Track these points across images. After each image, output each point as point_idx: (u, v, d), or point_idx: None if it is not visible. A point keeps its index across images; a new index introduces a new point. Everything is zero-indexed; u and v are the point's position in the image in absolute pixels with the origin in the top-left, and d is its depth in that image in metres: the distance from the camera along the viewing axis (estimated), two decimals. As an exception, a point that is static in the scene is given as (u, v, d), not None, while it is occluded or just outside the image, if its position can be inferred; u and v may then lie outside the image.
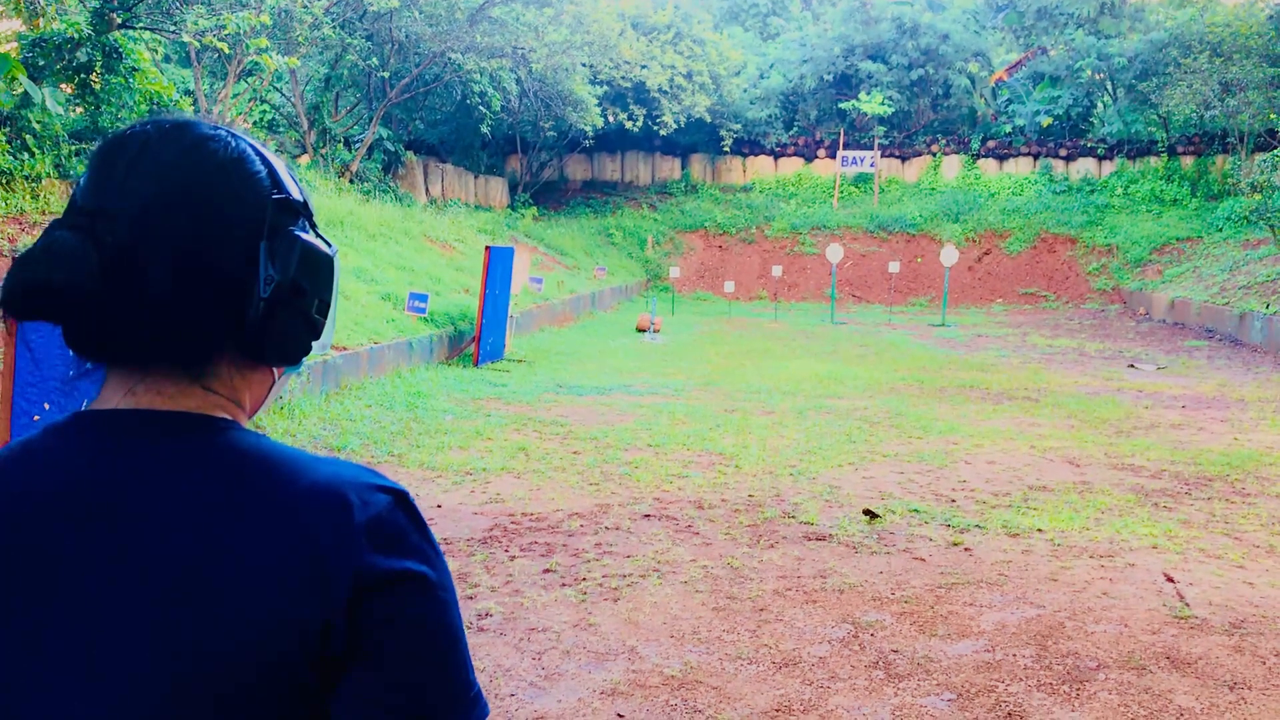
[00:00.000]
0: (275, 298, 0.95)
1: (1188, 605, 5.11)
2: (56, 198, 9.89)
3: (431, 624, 0.92)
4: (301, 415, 8.86)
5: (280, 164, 1.02)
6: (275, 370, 1.05)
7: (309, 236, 1.00)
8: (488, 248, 13.11)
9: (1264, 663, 4.43)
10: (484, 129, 25.15)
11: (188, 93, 17.33)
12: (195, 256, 0.93)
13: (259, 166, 0.98)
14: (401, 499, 0.95)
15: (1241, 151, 26.82)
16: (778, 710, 3.91)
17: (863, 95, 31.33)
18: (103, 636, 0.86)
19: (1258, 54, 24.72)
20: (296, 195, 1.01)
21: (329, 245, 1.03)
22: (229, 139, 0.98)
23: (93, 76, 10.99)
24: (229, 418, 0.97)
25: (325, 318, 1.03)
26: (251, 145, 1.00)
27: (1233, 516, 6.77)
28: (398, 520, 0.93)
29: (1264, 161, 22.01)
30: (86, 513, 0.89)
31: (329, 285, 1.02)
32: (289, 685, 0.88)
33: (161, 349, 0.94)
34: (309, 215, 1.03)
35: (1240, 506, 7.03)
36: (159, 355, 0.95)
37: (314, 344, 1.03)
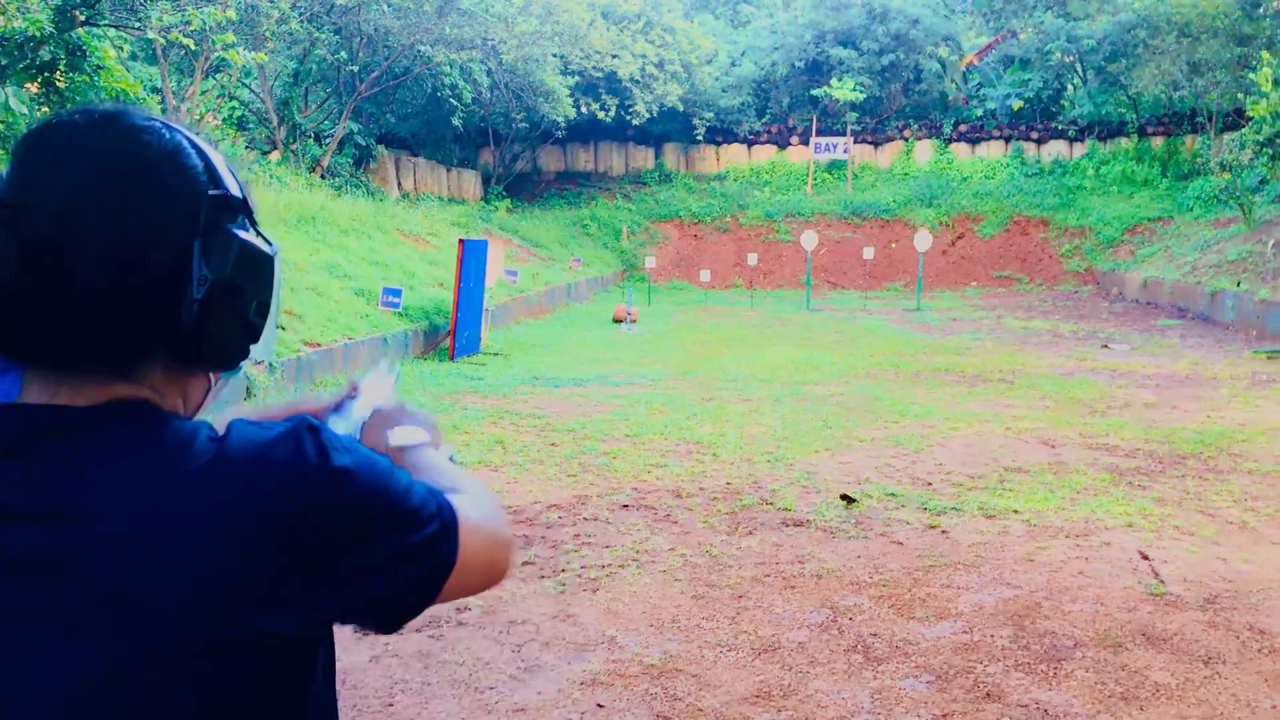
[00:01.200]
0: (209, 298, 0.92)
1: (1162, 582, 5.16)
2: (22, 198, 9.78)
3: (365, 485, 0.93)
4: (276, 413, 8.80)
5: (219, 158, 0.98)
6: (211, 375, 1.01)
7: (247, 235, 0.96)
8: (461, 241, 13.06)
9: (1237, 637, 4.47)
10: (455, 122, 25.05)
11: (154, 90, 17.16)
12: (125, 253, 0.89)
13: (195, 160, 0.95)
14: (308, 428, 0.94)
15: (1210, 131, 27.01)
16: (757, 696, 3.92)
17: (834, 82, 31.36)
18: (44, 635, 0.84)
19: (1225, 34, 24.90)
20: (235, 192, 0.97)
21: (270, 244, 1.00)
22: (163, 130, 0.95)
23: (57, 75, 10.85)
24: (154, 404, 0.94)
25: (264, 320, 0.99)
26: (188, 138, 0.96)
27: (1206, 494, 6.83)
28: (310, 449, 0.92)
29: (1233, 141, 22.22)
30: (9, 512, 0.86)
31: (269, 286, 0.99)
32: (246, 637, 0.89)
33: (87, 349, 0.90)
34: (249, 213, 0.99)
35: (1213, 484, 7.10)
36: (84, 356, 0.91)
37: (253, 348, 1.00)
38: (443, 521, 0.97)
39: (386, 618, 0.98)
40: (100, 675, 0.84)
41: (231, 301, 0.94)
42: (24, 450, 0.88)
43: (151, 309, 0.91)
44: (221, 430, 0.93)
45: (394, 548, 0.94)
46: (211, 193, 0.94)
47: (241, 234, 0.95)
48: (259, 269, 0.97)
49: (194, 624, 0.85)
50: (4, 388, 0.95)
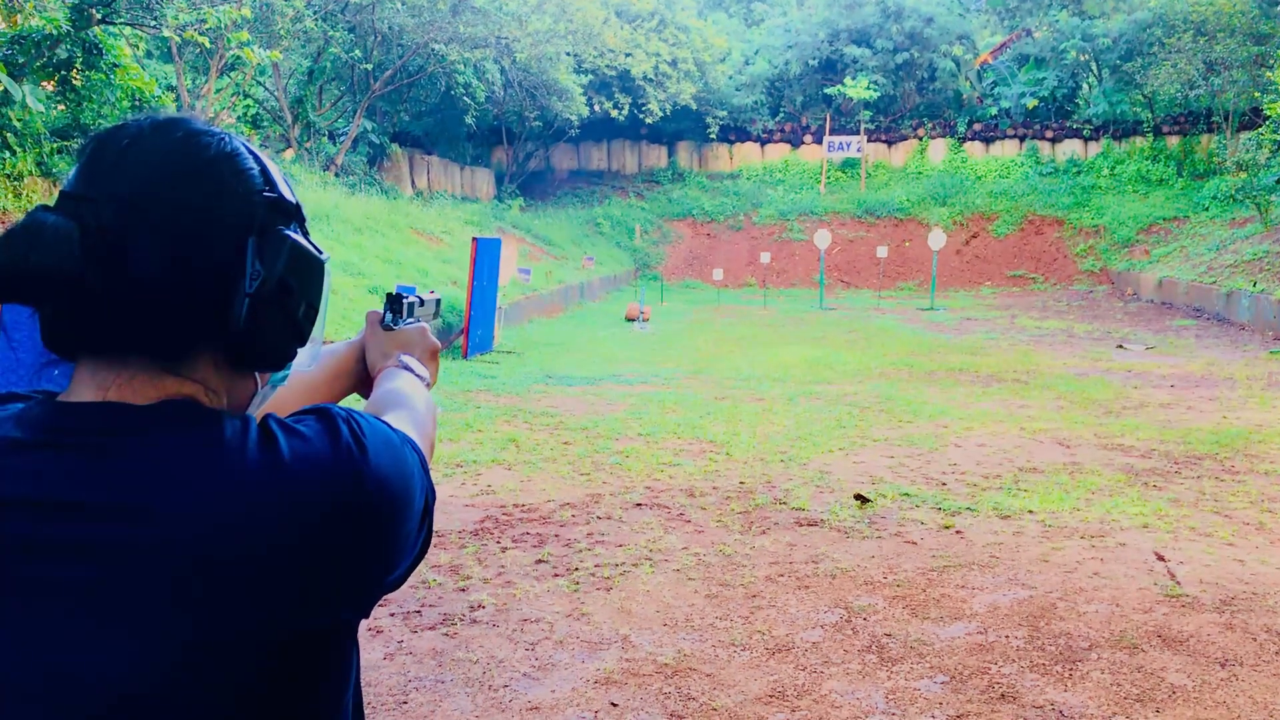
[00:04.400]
0: (261, 295, 0.94)
1: (1178, 584, 5.13)
2: (39, 196, 9.82)
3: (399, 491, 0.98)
4: (290, 410, 8.82)
5: (274, 167, 1.01)
6: (259, 377, 1.03)
7: (300, 238, 0.99)
8: (475, 239, 13.07)
9: (1254, 639, 4.44)
10: (469, 120, 25.09)
11: (170, 88, 17.22)
12: (182, 246, 0.92)
13: (252, 164, 0.98)
14: (343, 421, 0.96)
15: (1227, 130, 26.88)
16: (771, 696, 3.91)
17: (848, 80, 31.31)
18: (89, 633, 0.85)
19: (1241, 32, 24.77)
20: (289, 198, 1.01)
21: (320, 252, 1.02)
22: (223, 136, 0.98)
23: (73, 73, 10.91)
24: (205, 403, 0.96)
25: (312, 324, 1.02)
26: (246, 145, 1.00)
27: (1222, 494, 6.80)
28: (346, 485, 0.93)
29: (1249, 140, 22.08)
30: (62, 510, 0.88)
31: (318, 290, 1.02)
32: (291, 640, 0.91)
33: (140, 340, 0.92)
34: (302, 220, 1.03)
35: (1229, 484, 7.06)
36: (137, 346, 0.93)
37: (300, 351, 1.02)
38: (421, 463, 1.04)
39: (405, 578, 1.04)
40: (163, 663, 0.86)
41: (282, 300, 0.96)
42: (89, 447, 0.90)
43: (205, 303, 0.93)
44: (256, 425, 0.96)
45: (416, 517, 1.01)
46: (266, 194, 0.98)
47: (294, 235, 0.98)
48: (310, 271, 1.00)
49: (259, 619, 0.88)
50: (50, 375, 0.96)
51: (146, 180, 0.92)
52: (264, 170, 0.99)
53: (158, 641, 0.85)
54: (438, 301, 1.59)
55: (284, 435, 0.93)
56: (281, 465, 0.90)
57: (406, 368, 1.34)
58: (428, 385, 1.36)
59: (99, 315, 0.91)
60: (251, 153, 0.99)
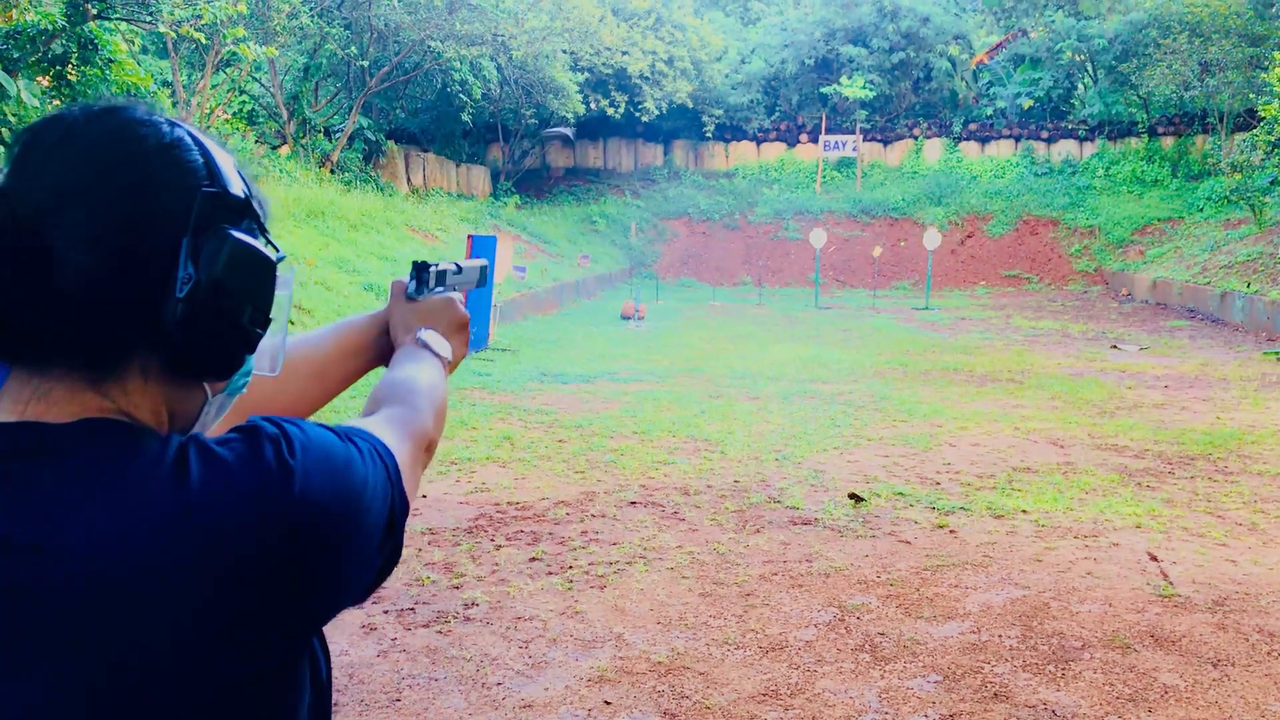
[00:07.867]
0: (194, 299, 0.86)
1: (1171, 584, 5.14)
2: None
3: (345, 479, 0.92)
4: (285, 407, 8.81)
5: (226, 158, 0.94)
6: (208, 387, 0.95)
7: (245, 236, 0.91)
8: (470, 236, 13.04)
9: (1247, 639, 4.46)
10: (465, 117, 25.04)
11: (165, 84, 17.18)
12: (106, 246, 0.84)
13: (194, 156, 0.90)
14: (267, 439, 0.89)
15: (1221, 131, 26.91)
16: (765, 695, 3.91)
17: (844, 79, 31.28)
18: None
19: (1237, 34, 24.80)
20: (237, 191, 0.92)
21: (276, 250, 0.95)
22: (164, 125, 0.90)
23: (68, 68, 10.87)
24: (129, 421, 0.88)
25: (262, 328, 0.93)
26: (192, 134, 0.92)
27: (1215, 495, 6.81)
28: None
29: (1244, 141, 22.10)
30: None
31: (267, 292, 0.93)
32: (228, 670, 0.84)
33: (61, 349, 0.86)
34: (255, 216, 0.94)
35: (1223, 485, 7.07)
36: (58, 356, 0.86)
37: (258, 355, 0.95)
38: (388, 474, 0.96)
39: (365, 596, 0.97)
40: (68, 711, 0.80)
41: (220, 304, 0.88)
42: None
43: (133, 309, 0.86)
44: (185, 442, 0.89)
45: (374, 534, 0.93)
46: (206, 189, 0.89)
47: (236, 234, 0.90)
48: (256, 272, 0.91)
49: (173, 668, 0.82)
50: None
51: (72, 175, 0.85)
52: (209, 162, 0.91)
53: (63, 688, 0.79)
54: (482, 269, 1.49)
55: (199, 462, 0.85)
56: (189, 498, 0.83)
57: (424, 344, 1.27)
58: (450, 362, 1.30)
59: (18, 320, 0.84)
60: (198, 143, 0.91)
